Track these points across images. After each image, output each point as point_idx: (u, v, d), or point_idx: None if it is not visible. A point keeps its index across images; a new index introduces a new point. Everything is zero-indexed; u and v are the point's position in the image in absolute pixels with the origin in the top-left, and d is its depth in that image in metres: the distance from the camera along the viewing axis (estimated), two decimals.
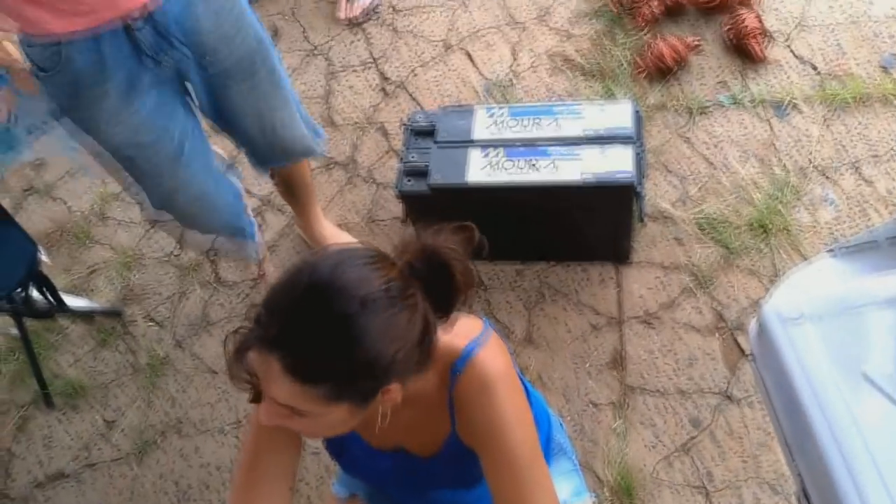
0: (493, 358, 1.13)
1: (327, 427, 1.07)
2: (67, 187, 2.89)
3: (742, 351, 2.07)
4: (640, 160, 2.01)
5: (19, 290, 2.18)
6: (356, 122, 2.76)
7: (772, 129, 2.40)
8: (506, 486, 1.11)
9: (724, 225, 2.26)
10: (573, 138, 2.05)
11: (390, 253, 1.04)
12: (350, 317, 0.94)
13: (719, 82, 2.52)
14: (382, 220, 2.53)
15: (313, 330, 0.94)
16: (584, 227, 2.17)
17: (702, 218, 2.29)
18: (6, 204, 2.45)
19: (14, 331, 2.34)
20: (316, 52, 3.00)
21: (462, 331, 1.15)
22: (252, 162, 2.06)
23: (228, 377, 1.03)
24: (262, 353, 0.96)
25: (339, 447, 1.30)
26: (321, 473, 2.11)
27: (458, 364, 1.13)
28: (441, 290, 1.03)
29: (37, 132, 1.71)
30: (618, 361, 2.13)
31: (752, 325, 1.28)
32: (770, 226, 2.21)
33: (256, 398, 1.06)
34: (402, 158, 2.16)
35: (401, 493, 1.41)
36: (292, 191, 2.32)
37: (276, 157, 2.03)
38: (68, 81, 1.54)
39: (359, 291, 0.95)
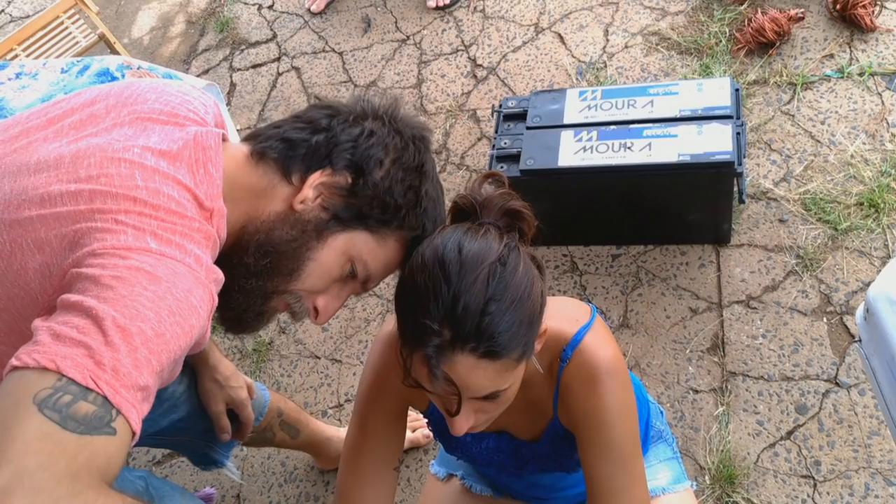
0: (602, 346, 1.12)
1: (512, 397, 1.08)
2: None
3: (851, 335, 1.98)
4: (739, 139, 1.94)
5: None
6: (448, 109, 2.78)
7: (883, 102, 2.27)
8: (601, 478, 1.11)
9: (832, 204, 2.16)
10: (669, 118, 2.01)
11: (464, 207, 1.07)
12: (501, 278, 0.97)
13: (825, 55, 2.40)
14: None
15: (481, 308, 0.96)
16: (681, 208, 2.12)
17: (807, 197, 2.19)
18: None
19: None
20: (408, 41, 3.03)
21: (571, 316, 1.15)
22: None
23: (445, 410, 1.06)
24: (449, 362, 0.97)
25: (445, 427, 1.33)
26: (419, 455, 2.15)
27: (567, 350, 1.12)
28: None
29: None
30: (718, 347, 2.07)
31: (860, 308, 1.22)
32: (881, 204, 2.11)
33: (459, 408, 1.06)
34: (493, 144, 2.16)
35: (500, 474, 1.43)
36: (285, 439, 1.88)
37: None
38: None
39: (491, 255, 0.98)
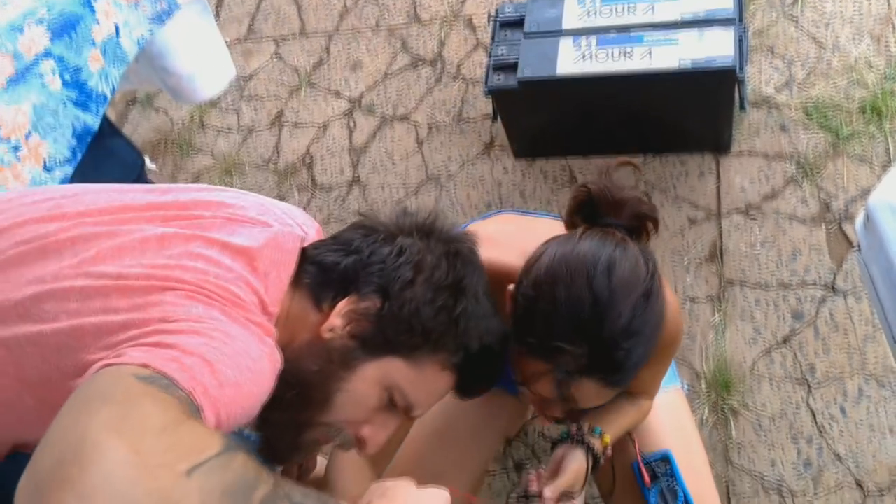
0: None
1: None
2: (167, 97, 2.97)
3: (850, 242, 1.98)
4: (741, 43, 1.89)
5: None
6: (443, 17, 2.70)
7: (889, 4, 2.21)
8: None
9: (834, 110, 2.13)
10: (670, 23, 1.95)
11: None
12: (644, 312, 0.98)
13: None
14: (472, 119, 2.50)
15: (621, 342, 0.97)
16: (681, 116, 2.09)
17: (809, 103, 2.16)
18: (111, 116, 2.55)
19: None
20: None
21: None
22: None
23: (541, 409, 1.11)
24: (576, 383, 1.01)
25: None
26: None
27: None
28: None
29: (142, 41, 1.75)
30: (717, 256, 2.08)
31: (860, 216, 1.22)
32: (884, 109, 2.07)
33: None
34: (490, 53, 2.11)
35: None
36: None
37: None
38: None
39: (639, 286, 0.98)
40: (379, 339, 0.97)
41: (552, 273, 1.00)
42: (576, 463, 1.21)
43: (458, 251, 1.03)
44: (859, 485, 1.73)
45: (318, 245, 1.05)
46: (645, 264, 1.01)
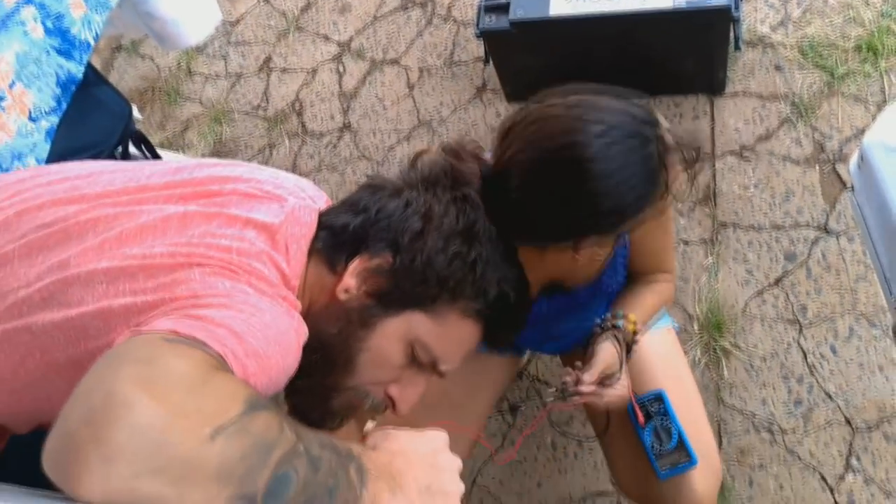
0: None
1: None
2: (152, 44, 2.92)
3: (843, 183, 1.98)
4: None
5: (119, 147, 2.26)
6: None
7: None
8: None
9: (829, 49, 2.10)
10: None
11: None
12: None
13: None
14: (464, 62, 2.47)
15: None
16: (675, 57, 2.06)
17: (804, 42, 2.13)
18: (96, 64, 2.51)
19: None
20: None
21: None
22: None
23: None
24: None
25: None
26: None
27: None
28: None
29: None
30: (710, 198, 2.08)
31: (854, 157, 1.21)
32: (880, 47, 2.05)
33: None
34: None
35: (525, 337, 1.46)
36: None
37: None
38: None
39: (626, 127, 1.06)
40: (395, 294, 0.95)
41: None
42: (607, 349, 1.21)
43: (466, 196, 1.01)
44: (848, 422, 1.77)
45: (328, 211, 1.04)
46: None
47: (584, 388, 1.16)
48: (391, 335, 0.96)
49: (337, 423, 1.02)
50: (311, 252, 0.98)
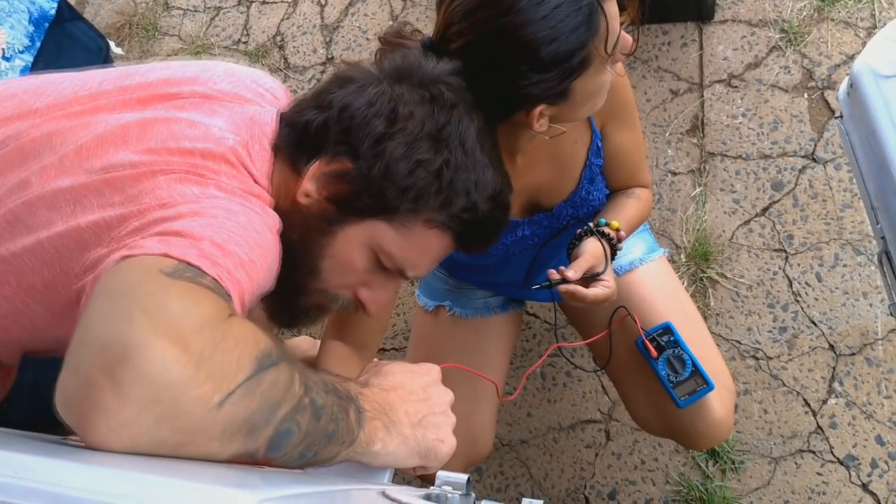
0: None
1: None
2: None
3: (831, 111, 1.97)
4: None
5: None
6: None
7: None
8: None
9: None
10: None
11: None
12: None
13: None
14: None
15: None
16: None
17: None
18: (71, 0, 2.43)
19: None
20: None
21: None
22: None
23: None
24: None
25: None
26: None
27: None
28: None
29: None
30: (698, 128, 2.06)
31: (843, 84, 1.20)
32: None
33: None
34: None
35: (510, 273, 1.45)
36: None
37: None
38: None
39: None
40: (355, 202, 0.90)
41: None
42: (592, 245, 1.20)
43: (437, 95, 0.92)
44: (832, 347, 1.79)
45: (296, 105, 0.98)
46: None
47: (570, 275, 1.14)
48: (353, 242, 0.92)
49: (309, 323, 1.01)
50: (277, 152, 0.94)
